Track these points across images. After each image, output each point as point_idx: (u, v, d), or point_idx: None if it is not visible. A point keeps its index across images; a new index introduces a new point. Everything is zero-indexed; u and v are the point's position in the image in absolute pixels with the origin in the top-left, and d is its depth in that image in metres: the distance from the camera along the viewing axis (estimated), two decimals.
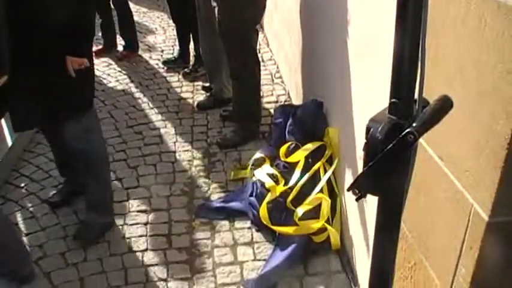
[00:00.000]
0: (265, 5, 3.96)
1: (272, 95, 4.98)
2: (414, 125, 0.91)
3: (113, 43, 6.20)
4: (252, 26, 3.96)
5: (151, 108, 4.87)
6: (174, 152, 4.18)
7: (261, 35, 6.21)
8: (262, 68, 5.30)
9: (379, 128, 0.96)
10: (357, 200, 0.99)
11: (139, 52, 6.17)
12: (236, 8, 3.74)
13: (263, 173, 3.40)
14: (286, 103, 4.67)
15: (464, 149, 1.39)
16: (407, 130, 0.90)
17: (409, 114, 0.96)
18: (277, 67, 5.46)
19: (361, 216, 2.70)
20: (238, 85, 4.16)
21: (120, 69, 5.76)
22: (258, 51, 4.28)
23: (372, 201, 1.11)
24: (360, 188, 0.98)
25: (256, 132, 4.27)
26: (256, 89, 4.23)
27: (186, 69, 5.46)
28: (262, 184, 3.33)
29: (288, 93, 4.89)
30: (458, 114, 1.37)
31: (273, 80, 5.23)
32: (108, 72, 5.72)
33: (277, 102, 4.81)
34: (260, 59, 5.50)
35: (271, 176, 3.36)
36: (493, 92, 1.24)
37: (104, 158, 3.38)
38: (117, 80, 5.49)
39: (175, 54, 5.82)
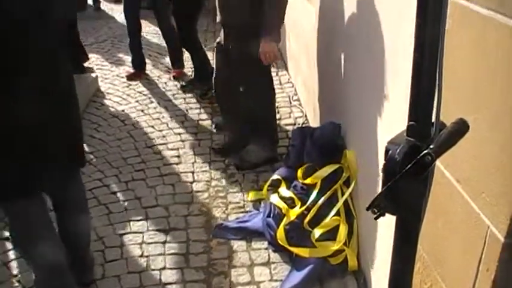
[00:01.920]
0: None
1: (290, 117, 5.02)
2: (431, 147, 0.95)
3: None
4: None
5: (170, 129, 4.93)
6: (193, 172, 4.23)
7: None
8: (280, 90, 5.39)
9: (397, 149, 0.99)
10: (376, 218, 1.02)
11: (161, 73, 6.28)
12: (251, 39, 3.73)
13: (279, 197, 3.44)
14: (303, 125, 4.71)
15: (481, 171, 1.42)
16: (425, 152, 0.94)
17: (427, 137, 1.00)
18: (295, 90, 5.51)
19: (377, 238, 2.71)
20: (255, 108, 4.20)
21: (139, 90, 5.85)
22: (273, 75, 4.33)
23: (388, 223, 1.14)
24: (379, 208, 1.01)
25: (274, 153, 4.31)
26: (272, 111, 4.27)
27: (202, 90, 5.53)
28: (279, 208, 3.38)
29: (306, 116, 4.93)
30: (474, 137, 1.40)
31: (290, 103, 5.28)
32: (128, 92, 5.82)
33: (294, 124, 4.86)
34: (278, 82, 5.59)
35: (287, 199, 3.39)
36: (507, 114, 1.27)
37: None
38: (137, 101, 5.58)
39: (192, 76, 5.92)
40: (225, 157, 4.38)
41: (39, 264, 2.66)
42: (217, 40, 4.10)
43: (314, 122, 4.46)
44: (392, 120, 2.31)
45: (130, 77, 6.17)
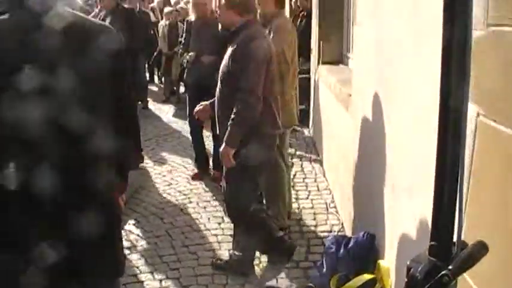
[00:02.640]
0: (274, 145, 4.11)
1: (326, 224, 5.03)
2: (450, 267, 0.99)
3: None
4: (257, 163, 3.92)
5: (208, 230, 4.99)
6: (227, 275, 4.23)
7: (318, 165, 6.40)
8: (317, 196, 5.45)
9: (419, 268, 1.04)
10: None
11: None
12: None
13: None
14: (339, 233, 4.71)
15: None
16: (443, 272, 0.98)
17: (448, 256, 1.04)
18: (332, 197, 5.55)
19: None
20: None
21: (180, 190, 5.99)
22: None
23: None
24: None
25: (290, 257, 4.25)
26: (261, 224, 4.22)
27: None
28: None
29: (342, 224, 4.94)
30: (499, 254, 1.42)
31: (327, 210, 5.30)
32: (168, 191, 5.96)
33: (330, 231, 4.85)
34: (316, 188, 5.66)
35: None
36: None
37: None
38: (177, 200, 5.70)
39: None
40: None
41: None
42: None
43: (349, 230, 4.47)
44: (424, 234, 2.33)
45: (194, 177, 6.34)
